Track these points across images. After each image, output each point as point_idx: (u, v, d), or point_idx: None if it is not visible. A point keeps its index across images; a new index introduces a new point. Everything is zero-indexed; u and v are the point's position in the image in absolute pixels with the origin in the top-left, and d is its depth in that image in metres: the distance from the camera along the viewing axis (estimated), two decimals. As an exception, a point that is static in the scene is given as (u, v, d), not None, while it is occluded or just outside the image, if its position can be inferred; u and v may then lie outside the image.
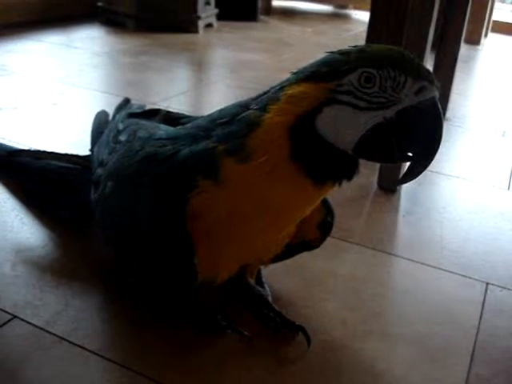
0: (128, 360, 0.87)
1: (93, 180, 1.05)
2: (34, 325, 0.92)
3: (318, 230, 0.98)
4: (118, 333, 0.94)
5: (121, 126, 1.08)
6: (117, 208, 0.92)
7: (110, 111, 1.33)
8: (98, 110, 1.38)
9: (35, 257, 1.10)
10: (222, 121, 0.83)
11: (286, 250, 0.97)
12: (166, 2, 3.24)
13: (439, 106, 0.75)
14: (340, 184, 0.80)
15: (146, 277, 0.91)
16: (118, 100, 1.31)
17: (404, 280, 1.17)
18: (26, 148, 1.42)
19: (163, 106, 1.98)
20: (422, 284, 1.15)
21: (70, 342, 0.89)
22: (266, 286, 1.04)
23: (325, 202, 0.95)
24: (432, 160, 0.78)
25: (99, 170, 1.03)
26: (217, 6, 3.56)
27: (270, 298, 1.01)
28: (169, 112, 1.17)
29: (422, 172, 0.79)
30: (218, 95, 2.33)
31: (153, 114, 1.17)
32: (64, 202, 1.24)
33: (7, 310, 0.95)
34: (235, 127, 0.80)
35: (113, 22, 3.29)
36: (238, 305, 1.01)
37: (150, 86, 2.29)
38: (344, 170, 0.79)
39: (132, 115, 1.17)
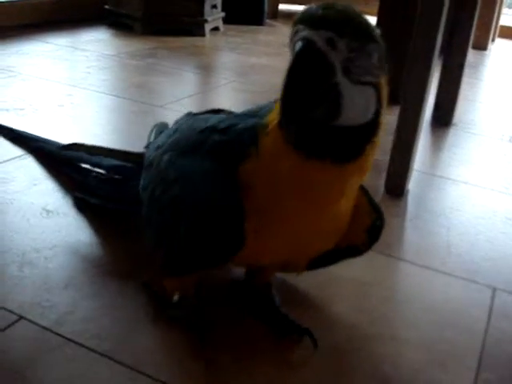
0: (137, 362, 0.87)
1: (144, 166, 1.08)
2: (41, 326, 0.92)
3: (366, 234, 0.96)
4: (128, 335, 0.93)
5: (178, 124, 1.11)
6: (172, 175, 0.93)
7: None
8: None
9: (42, 258, 1.10)
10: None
11: (331, 255, 0.95)
12: (173, 5, 3.25)
13: (303, 46, 0.72)
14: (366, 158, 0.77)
15: (188, 243, 0.88)
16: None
17: (411, 284, 1.17)
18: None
19: (170, 108, 1.99)
20: (430, 289, 1.15)
21: (77, 344, 0.89)
22: (272, 288, 1.04)
23: (374, 206, 0.94)
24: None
25: (153, 153, 1.05)
26: (223, 9, 3.57)
27: (276, 301, 1.01)
28: (231, 112, 1.16)
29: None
30: (224, 98, 2.33)
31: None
32: (113, 194, 1.27)
33: (14, 310, 0.95)
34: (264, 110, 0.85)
35: (120, 24, 3.30)
36: (244, 307, 1.02)
37: (157, 88, 2.29)
38: (345, 143, 0.74)
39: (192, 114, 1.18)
